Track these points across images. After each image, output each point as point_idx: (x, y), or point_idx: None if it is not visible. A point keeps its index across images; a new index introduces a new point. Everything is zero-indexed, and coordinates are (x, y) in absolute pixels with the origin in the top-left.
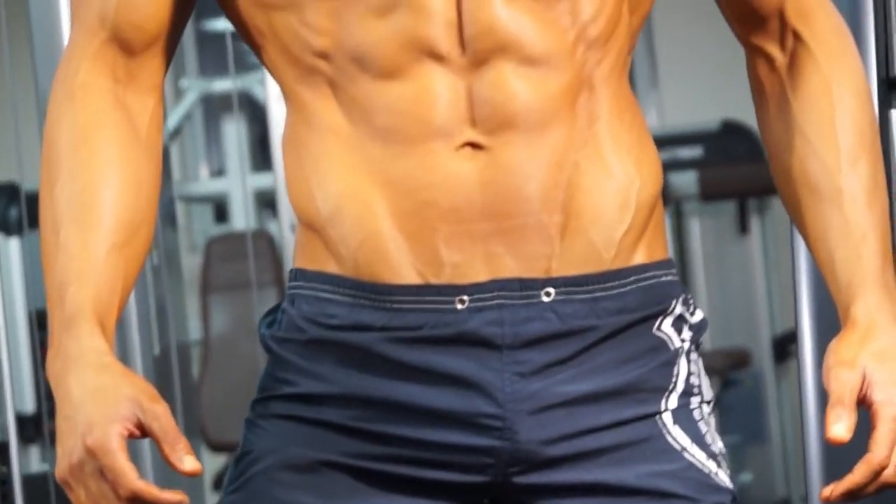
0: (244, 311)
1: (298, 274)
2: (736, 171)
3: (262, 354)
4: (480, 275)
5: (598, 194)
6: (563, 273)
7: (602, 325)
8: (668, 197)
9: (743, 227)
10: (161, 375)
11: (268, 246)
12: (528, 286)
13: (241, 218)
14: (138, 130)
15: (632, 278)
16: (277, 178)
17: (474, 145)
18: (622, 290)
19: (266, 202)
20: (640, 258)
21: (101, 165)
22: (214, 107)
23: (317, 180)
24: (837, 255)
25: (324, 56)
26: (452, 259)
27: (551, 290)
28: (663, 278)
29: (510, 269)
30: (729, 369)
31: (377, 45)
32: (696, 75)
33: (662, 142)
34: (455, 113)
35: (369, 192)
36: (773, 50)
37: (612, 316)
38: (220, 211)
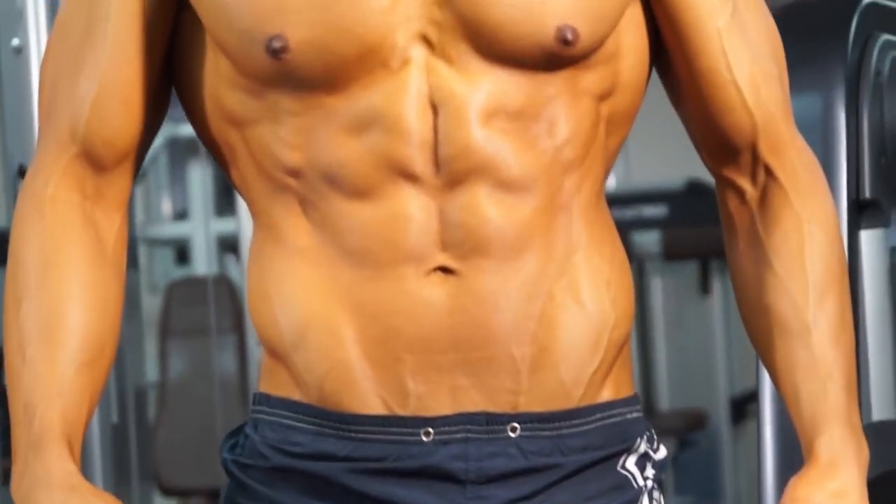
0: (202, 356)
1: (262, 399)
2: (699, 231)
3: (219, 400)
4: (446, 407)
5: (572, 330)
6: (530, 409)
7: (566, 463)
8: (632, 256)
9: (704, 288)
10: (118, 417)
11: (228, 292)
12: (494, 420)
13: (203, 262)
14: (105, 248)
15: (598, 415)
16: (241, 222)
17: (445, 270)
18: (588, 427)
19: (228, 246)
20: (606, 395)
21: (69, 284)
22: (180, 150)
23: (280, 302)
24: (803, 390)
25: (295, 173)
26: (418, 390)
27: (517, 425)
28: (629, 415)
29: (476, 402)
30: (685, 430)
31: (350, 164)
32: (661, 134)
33: (627, 200)
34: (427, 237)
35: (336, 317)
36: (745, 183)
37: (577, 453)
38: (182, 253)
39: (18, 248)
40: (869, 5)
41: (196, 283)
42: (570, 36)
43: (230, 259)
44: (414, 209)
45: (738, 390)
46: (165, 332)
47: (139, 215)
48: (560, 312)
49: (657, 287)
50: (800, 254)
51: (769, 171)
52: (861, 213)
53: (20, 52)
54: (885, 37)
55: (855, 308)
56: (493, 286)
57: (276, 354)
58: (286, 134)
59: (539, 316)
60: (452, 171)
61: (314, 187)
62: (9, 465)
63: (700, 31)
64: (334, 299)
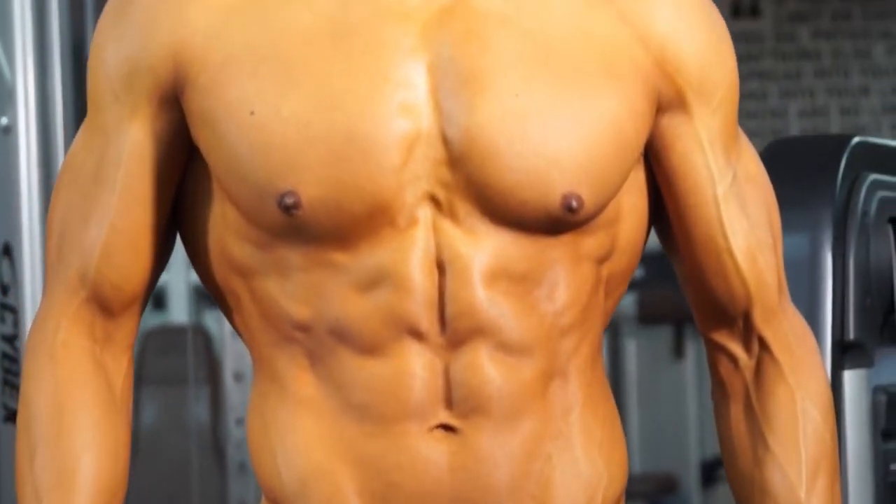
0: (177, 406)
1: None
2: (674, 294)
3: (194, 451)
4: None
5: (567, 490)
6: None
7: None
8: None
9: (678, 352)
10: None
11: (204, 342)
12: None
13: (180, 310)
14: (114, 392)
15: None
16: None
17: (447, 427)
18: None
19: (205, 295)
20: None
21: (82, 433)
22: None
23: (283, 453)
24: None
25: (302, 327)
26: None
27: None
28: None
29: None
30: (656, 493)
31: (358, 321)
32: None
33: None
34: (431, 394)
35: (338, 470)
36: (738, 350)
37: None
38: (158, 299)
39: (31, 394)
40: (858, 144)
41: (172, 332)
42: (575, 204)
43: (206, 308)
44: (419, 367)
45: (709, 454)
46: (139, 380)
47: None
48: (556, 472)
49: (631, 350)
50: (794, 430)
51: (763, 343)
52: (845, 353)
53: (8, 131)
54: (873, 176)
55: (838, 446)
56: (493, 445)
57: (275, 502)
58: (294, 289)
59: (537, 475)
60: (457, 331)
61: (321, 341)
62: None
63: (698, 197)
64: (337, 452)
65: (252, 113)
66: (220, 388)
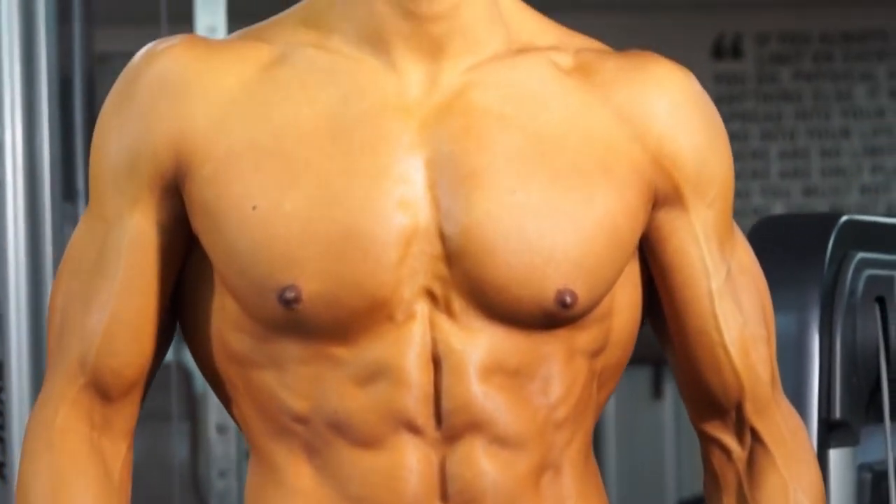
0: (156, 442)
1: None
2: (653, 336)
3: (175, 487)
4: None
5: None
6: None
7: None
8: None
9: (657, 393)
10: None
11: (184, 378)
12: None
13: None
14: (112, 478)
15: None
16: None
17: None
18: None
19: None
20: None
21: None
22: None
23: None
24: None
25: (300, 420)
26: None
27: None
28: None
29: None
30: None
31: (356, 414)
32: None
33: None
34: (426, 487)
35: None
36: (730, 442)
37: None
38: None
39: (28, 480)
40: (846, 223)
41: None
42: (569, 300)
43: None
44: (415, 460)
45: (687, 494)
46: None
47: None
48: None
49: None
50: None
51: (756, 435)
52: (831, 431)
53: None
54: (861, 255)
55: None
56: None
57: None
58: (292, 381)
59: None
60: (452, 425)
61: (319, 434)
62: None
63: (693, 291)
64: None
65: (254, 208)
66: (198, 424)
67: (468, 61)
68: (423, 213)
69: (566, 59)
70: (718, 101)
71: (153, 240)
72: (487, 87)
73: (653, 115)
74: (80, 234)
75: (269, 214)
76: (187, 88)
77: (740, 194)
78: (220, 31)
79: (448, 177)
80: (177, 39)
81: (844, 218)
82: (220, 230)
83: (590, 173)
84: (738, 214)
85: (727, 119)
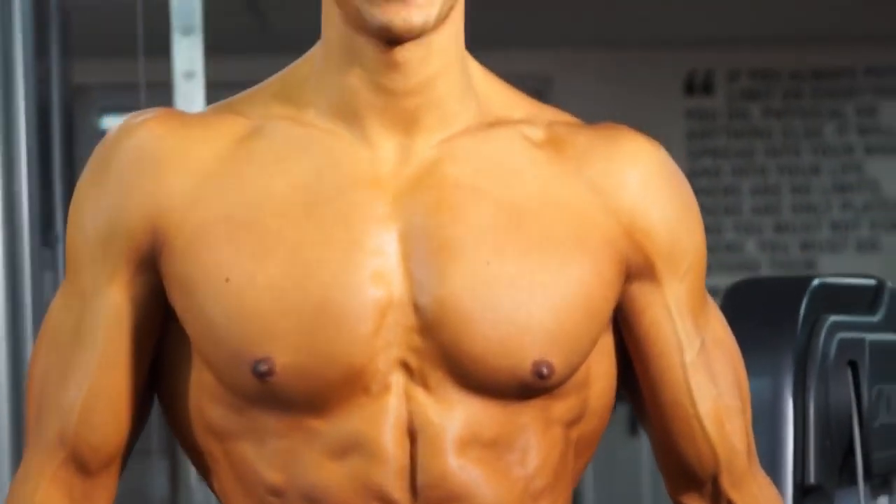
0: (135, 479)
1: None
2: None
3: None
4: None
5: None
6: None
7: None
8: None
9: (633, 430)
10: None
11: (163, 413)
12: None
13: None
14: None
15: None
16: None
17: None
18: None
19: None
20: None
21: None
22: None
23: None
24: None
25: (276, 492)
26: None
27: None
28: None
29: None
30: None
31: (331, 488)
32: None
33: None
34: None
35: None
36: None
37: None
38: None
39: None
40: (819, 286)
41: None
42: (545, 370)
43: None
44: None
45: None
46: None
47: None
48: None
49: None
50: None
51: None
52: (805, 496)
53: None
54: (833, 318)
55: None
56: None
57: None
58: (269, 453)
59: None
60: (429, 499)
61: None
62: None
63: (666, 364)
64: None
65: (227, 280)
66: (177, 460)
67: (440, 135)
68: (396, 286)
69: (537, 133)
70: (690, 136)
71: (130, 314)
72: (460, 160)
73: (625, 189)
74: (57, 307)
75: (242, 287)
76: (163, 162)
77: (712, 230)
78: (198, 65)
79: (422, 249)
80: (152, 113)
81: (817, 282)
82: (195, 303)
83: (564, 244)
84: (711, 250)
85: (699, 155)
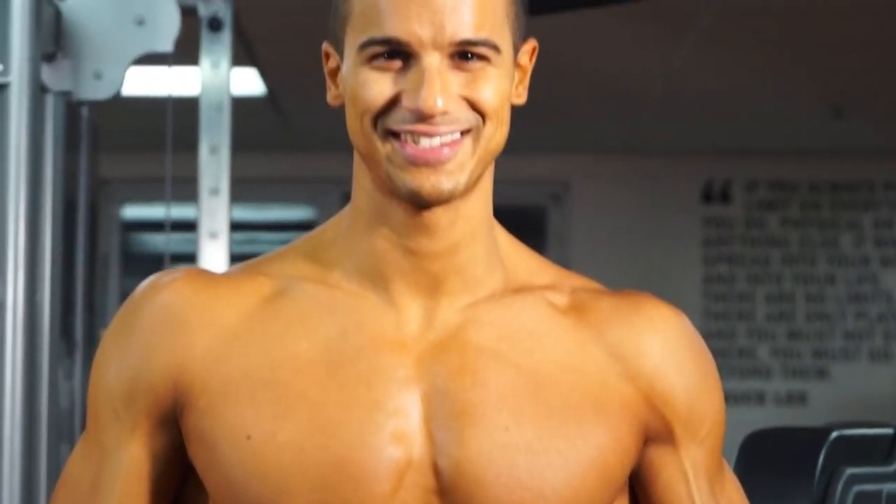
0: None
1: None
2: None
3: None
4: None
5: None
6: None
7: None
8: None
9: None
10: None
11: None
12: None
13: None
14: None
15: None
16: None
17: None
18: None
19: None
20: None
21: None
22: None
23: None
24: None
25: None
26: None
27: None
28: None
29: None
30: None
31: None
32: None
33: None
34: None
35: None
36: None
37: None
38: None
39: None
40: (837, 438)
41: None
42: None
43: None
44: None
45: None
46: None
47: None
48: None
49: None
50: None
51: None
52: None
53: None
54: (850, 470)
55: None
56: None
57: None
58: None
59: None
60: None
61: None
62: None
63: None
64: None
65: (248, 437)
66: None
67: (465, 299)
68: (417, 447)
69: (561, 299)
70: (707, 243)
71: (149, 469)
72: (483, 325)
73: (645, 355)
74: (76, 458)
75: (262, 444)
76: (188, 322)
77: (726, 335)
78: (224, 182)
79: (443, 412)
80: (180, 273)
81: (835, 434)
82: (215, 459)
83: (583, 411)
84: (723, 354)
85: (714, 261)
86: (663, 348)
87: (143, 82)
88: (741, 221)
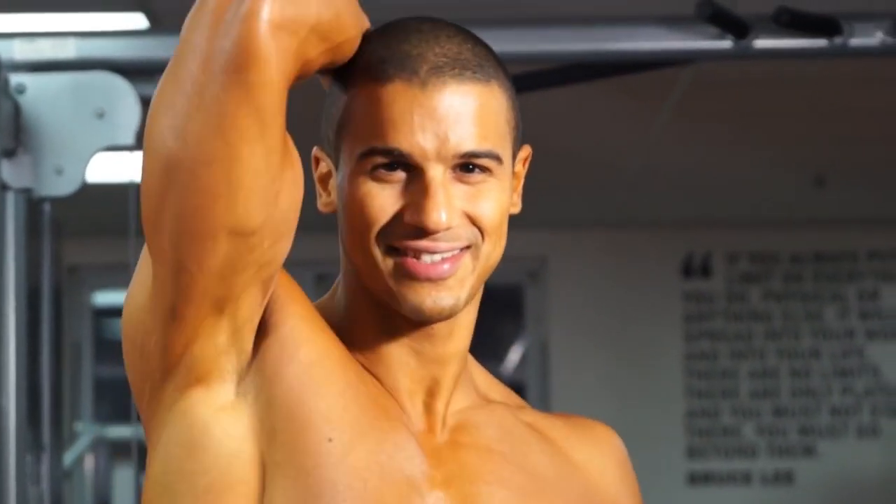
0: None
1: None
2: None
3: None
4: None
5: None
6: None
7: None
8: None
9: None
10: None
11: None
12: None
13: None
14: None
15: None
16: None
17: None
18: None
19: None
20: None
21: None
22: (105, 451)
23: None
24: None
25: None
26: None
27: None
28: None
29: None
30: None
31: None
32: (588, 394)
33: None
34: None
35: None
36: None
37: None
38: None
39: None
40: None
41: None
42: None
43: None
44: None
45: None
46: None
47: None
48: None
49: None
50: None
51: None
52: None
53: None
54: None
55: None
56: None
57: None
58: None
59: None
60: None
61: None
62: None
63: None
64: None
65: (330, 440)
66: None
67: (459, 404)
68: None
69: (519, 414)
70: (687, 319)
71: None
72: (482, 427)
73: (605, 474)
74: None
75: (338, 456)
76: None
77: (710, 413)
78: None
79: None
80: None
81: None
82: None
83: None
84: (708, 434)
85: (696, 337)
86: (618, 470)
87: (107, 169)
88: (723, 296)
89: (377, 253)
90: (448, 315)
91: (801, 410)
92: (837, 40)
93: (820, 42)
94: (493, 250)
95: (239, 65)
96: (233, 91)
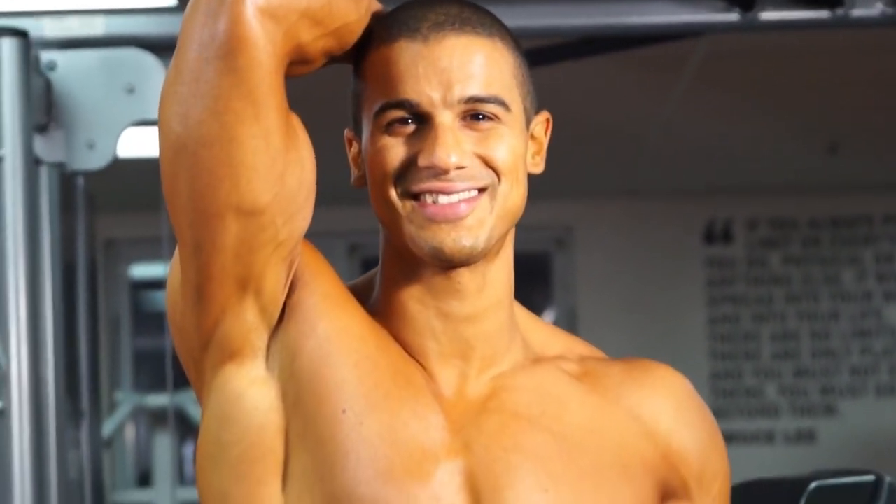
0: None
1: None
2: None
3: None
4: None
5: None
6: None
7: None
8: None
9: None
10: None
11: None
12: None
13: None
14: None
15: None
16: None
17: None
18: None
19: None
20: None
21: None
22: (146, 420)
23: None
24: None
25: None
26: None
27: None
28: None
29: None
30: None
31: None
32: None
33: None
34: None
35: None
36: None
37: None
38: None
39: None
40: (815, 490)
41: None
42: None
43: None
44: None
45: None
46: None
47: (106, 479)
48: None
49: None
50: None
51: None
52: None
53: (2, 414)
54: None
55: None
56: None
57: None
58: None
59: None
60: None
61: None
62: None
63: None
64: None
65: (344, 412)
66: None
67: (494, 369)
68: None
69: (574, 367)
70: (710, 284)
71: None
72: (514, 391)
73: (660, 416)
74: None
75: (351, 426)
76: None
77: (733, 375)
78: None
79: (483, 475)
80: None
81: (814, 485)
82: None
83: (611, 472)
84: (731, 394)
85: (719, 302)
86: (676, 409)
87: (141, 144)
88: (744, 261)
89: (396, 199)
90: (468, 255)
91: (821, 371)
92: (839, 11)
93: (822, 13)
94: (510, 191)
95: (228, 51)
96: (225, 76)
